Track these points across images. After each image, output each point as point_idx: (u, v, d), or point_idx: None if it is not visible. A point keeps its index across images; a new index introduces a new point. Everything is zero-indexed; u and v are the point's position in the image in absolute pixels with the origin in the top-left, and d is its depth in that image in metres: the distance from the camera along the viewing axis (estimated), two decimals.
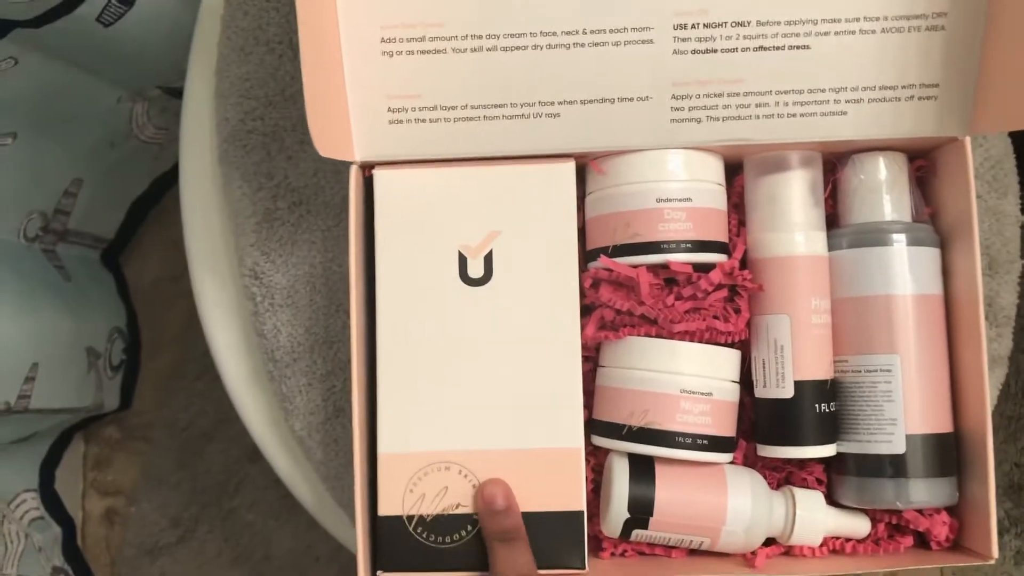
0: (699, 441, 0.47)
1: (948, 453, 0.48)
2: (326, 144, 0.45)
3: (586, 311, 0.50)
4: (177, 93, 0.93)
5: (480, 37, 0.47)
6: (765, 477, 0.50)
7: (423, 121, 0.48)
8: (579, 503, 0.47)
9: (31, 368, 0.88)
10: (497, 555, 0.46)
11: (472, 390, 0.48)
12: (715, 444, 0.48)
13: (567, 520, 0.47)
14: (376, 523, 0.48)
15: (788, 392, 0.48)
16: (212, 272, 0.60)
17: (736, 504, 0.48)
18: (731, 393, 0.49)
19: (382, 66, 0.47)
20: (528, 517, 0.47)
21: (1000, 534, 1.05)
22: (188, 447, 1.15)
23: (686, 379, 0.47)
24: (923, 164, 0.50)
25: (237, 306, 0.60)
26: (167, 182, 1.07)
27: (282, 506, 1.12)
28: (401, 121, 0.48)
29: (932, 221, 0.50)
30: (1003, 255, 0.56)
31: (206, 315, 0.61)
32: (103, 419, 1.11)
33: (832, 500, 0.50)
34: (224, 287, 0.60)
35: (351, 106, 0.48)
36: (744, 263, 0.50)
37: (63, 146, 0.91)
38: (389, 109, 0.48)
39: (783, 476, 0.51)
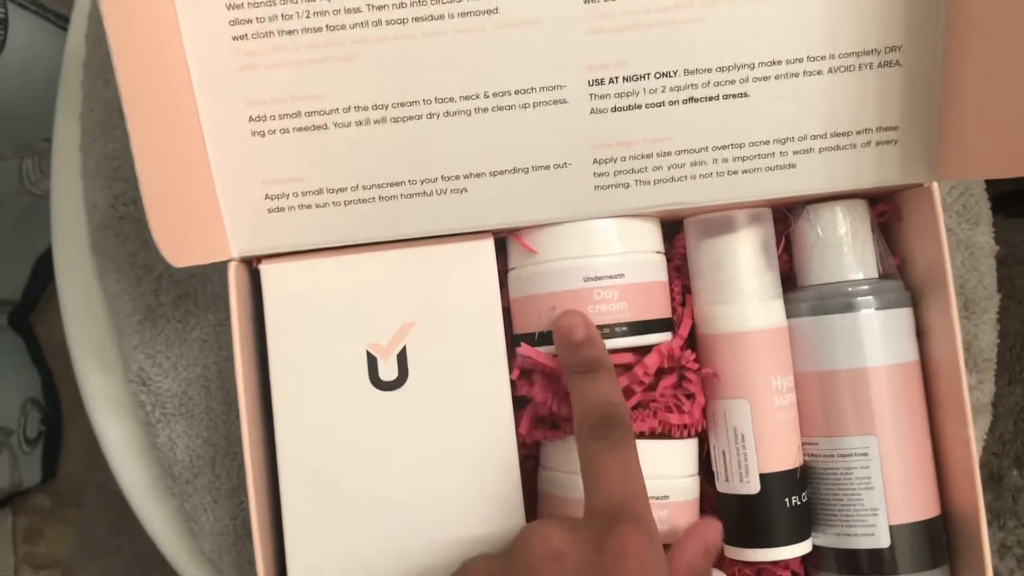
0: None
1: (938, 540, 0.42)
2: (181, 249, 0.38)
3: (519, 403, 0.44)
4: None
5: (366, 108, 0.40)
6: (735, 575, 0.45)
7: (308, 207, 0.41)
8: None
9: None
10: (578, 387, 0.39)
11: (394, 513, 0.41)
12: None
13: None
14: None
15: (754, 487, 0.42)
16: (101, 372, 0.53)
17: None
18: (690, 490, 0.43)
19: (253, 148, 0.40)
20: None
21: None
22: (126, 509, 1.08)
23: None
24: (886, 209, 0.44)
25: (131, 410, 0.52)
26: None
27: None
28: (282, 209, 0.41)
29: (900, 272, 0.44)
30: (979, 292, 0.50)
31: (97, 421, 0.53)
32: (28, 491, 1.03)
33: None
34: (115, 387, 0.53)
35: (221, 196, 0.41)
36: (692, 339, 0.44)
37: None
38: (267, 196, 0.41)
39: (754, 572, 0.45)
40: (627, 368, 0.42)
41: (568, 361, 0.40)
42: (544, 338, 0.42)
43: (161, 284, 0.49)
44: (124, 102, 0.35)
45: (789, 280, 0.45)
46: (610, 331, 0.41)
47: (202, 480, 0.50)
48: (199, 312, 0.49)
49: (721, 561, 0.45)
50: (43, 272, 0.99)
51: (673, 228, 0.45)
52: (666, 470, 0.42)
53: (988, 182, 0.50)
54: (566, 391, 0.43)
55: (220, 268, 0.49)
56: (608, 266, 0.41)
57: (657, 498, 0.41)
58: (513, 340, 0.44)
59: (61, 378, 1.05)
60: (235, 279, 0.41)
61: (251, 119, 0.40)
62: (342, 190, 0.41)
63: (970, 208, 0.50)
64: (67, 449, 1.07)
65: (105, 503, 1.07)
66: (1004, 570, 1.01)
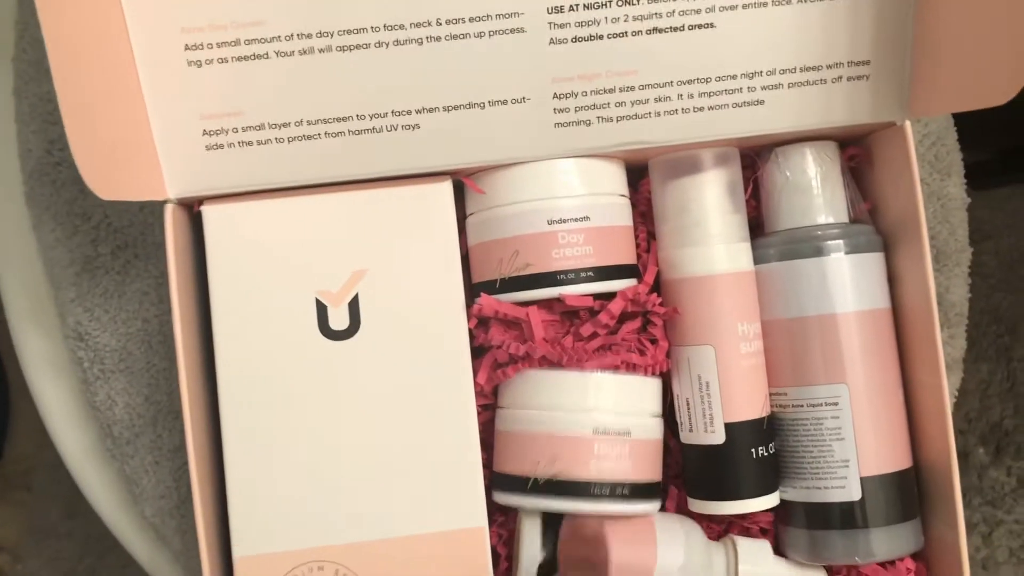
0: (619, 490, 0.39)
1: (910, 493, 0.41)
2: (110, 182, 0.35)
3: (477, 353, 0.42)
4: None
5: (310, 36, 0.37)
6: (702, 528, 0.43)
7: (249, 144, 0.39)
8: None
9: None
10: None
11: (345, 469, 0.39)
12: (638, 492, 0.40)
13: None
14: None
15: (719, 437, 0.40)
16: (38, 329, 0.50)
17: (666, 560, 0.40)
18: (653, 430, 0.41)
19: (190, 79, 0.38)
20: None
21: None
22: (77, 491, 1.05)
23: (600, 416, 0.39)
24: (856, 152, 0.43)
25: (69, 368, 0.50)
26: None
27: None
28: (221, 146, 0.39)
29: (872, 218, 0.43)
30: (951, 245, 0.48)
31: (34, 382, 0.51)
32: None
33: (781, 552, 0.43)
34: (54, 347, 0.50)
35: (155, 130, 0.38)
36: (657, 285, 0.42)
37: None
38: (204, 132, 0.39)
39: (722, 528, 0.43)
40: (592, 312, 0.41)
41: None
42: (507, 284, 0.40)
43: (99, 234, 0.47)
44: (44, 26, 0.33)
45: (757, 227, 0.43)
46: (575, 275, 0.39)
47: (143, 440, 0.47)
48: (139, 263, 0.47)
49: (686, 515, 0.43)
50: None
51: (638, 174, 0.43)
52: (628, 405, 0.40)
53: (960, 131, 0.49)
54: (524, 335, 0.41)
55: (161, 217, 0.47)
56: (574, 208, 0.40)
57: (618, 432, 0.39)
58: (472, 289, 0.42)
59: (7, 354, 1.02)
60: (172, 221, 0.39)
61: (187, 47, 0.38)
62: (285, 125, 0.39)
63: (942, 158, 0.48)
64: (16, 429, 1.04)
65: (56, 485, 1.04)
66: (969, 547, 1.00)
